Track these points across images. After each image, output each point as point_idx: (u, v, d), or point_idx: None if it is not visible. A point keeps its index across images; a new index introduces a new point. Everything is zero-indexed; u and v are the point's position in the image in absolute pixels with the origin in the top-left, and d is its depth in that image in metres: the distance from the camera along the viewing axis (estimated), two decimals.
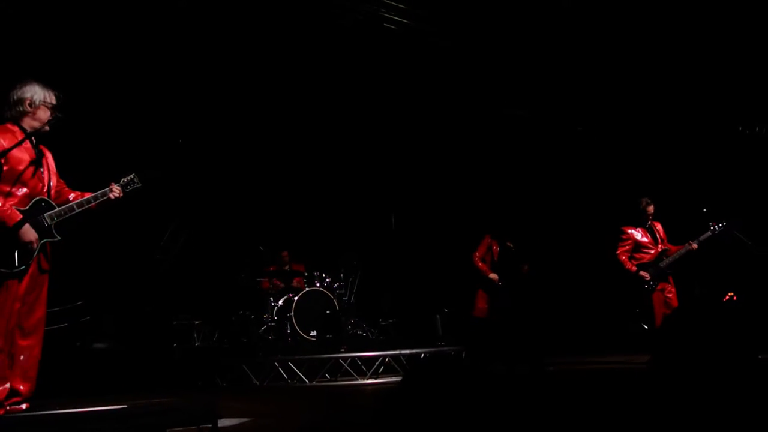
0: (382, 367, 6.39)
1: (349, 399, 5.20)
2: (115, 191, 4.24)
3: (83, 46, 6.43)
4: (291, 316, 7.15)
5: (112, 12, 6.31)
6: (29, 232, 3.83)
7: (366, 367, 6.30)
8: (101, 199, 4.19)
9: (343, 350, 6.54)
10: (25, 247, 3.82)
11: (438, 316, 7.51)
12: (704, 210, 6.23)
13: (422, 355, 6.45)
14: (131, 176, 4.35)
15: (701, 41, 7.19)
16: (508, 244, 6.90)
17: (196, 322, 7.42)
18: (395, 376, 6.29)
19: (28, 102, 4.06)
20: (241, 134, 8.05)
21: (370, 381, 6.14)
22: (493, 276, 6.69)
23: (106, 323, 7.03)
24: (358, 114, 8.35)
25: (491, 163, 8.85)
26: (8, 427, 2.80)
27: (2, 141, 3.87)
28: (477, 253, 6.84)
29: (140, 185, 4.36)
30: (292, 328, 7.15)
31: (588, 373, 5.83)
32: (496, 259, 6.78)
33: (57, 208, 4.05)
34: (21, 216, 3.83)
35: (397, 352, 6.41)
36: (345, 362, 6.24)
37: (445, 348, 6.95)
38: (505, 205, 7.93)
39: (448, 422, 3.24)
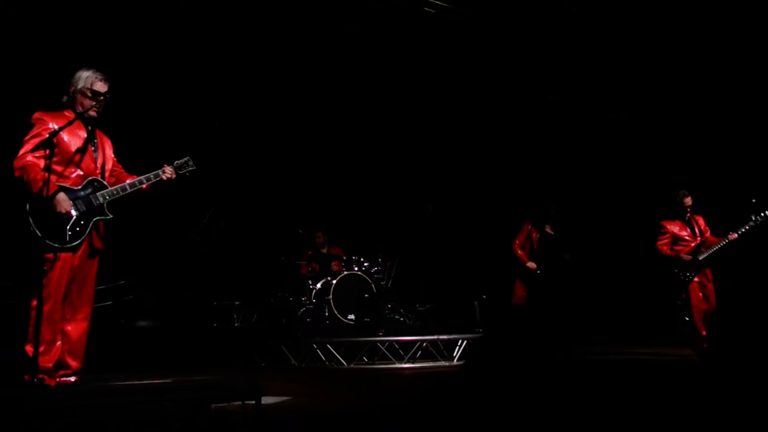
0: (420, 352, 6.47)
1: (387, 382, 5.30)
2: (168, 173, 4.39)
3: (137, 35, 6.63)
4: (329, 299, 7.26)
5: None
6: (64, 202, 3.99)
7: (404, 351, 6.40)
8: (153, 180, 4.35)
9: (380, 334, 6.64)
10: (60, 217, 3.98)
11: (476, 302, 7.56)
12: (753, 201, 6.14)
13: (460, 341, 6.50)
14: (185, 159, 4.50)
15: (745, 26, 7.04)
16: (548, 231, 6.93)
17: (236, 303, 7.62)
18: (433, 361, 6.38)
19: (73, 89, 4.26)
20: (284, 117, 8.16)
21: (407, 365, 6.25)
22: (531, 265, 6.74)
23: (148, 302, 7.27)
24: (398, 98, 8.38)
25: (533, 150, 8.81)
26: (60, 396, 2.95)
27: (55, 124, 4.05)
28: (516, 241, 6.89)
29: (194, 168, 4.50)
30: (330, 311, 7.27)
31: (629, 363, 5.83)
32: (535, 246, 6.82)
33: (109, 188, 4.23)
34: (57, 188, 3.99)
35: (435, 337, 6.49)
36: (383, 346, 6.35)
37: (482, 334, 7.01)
38: (546, 192, 7.89)
39: (508, 405, 3.32)
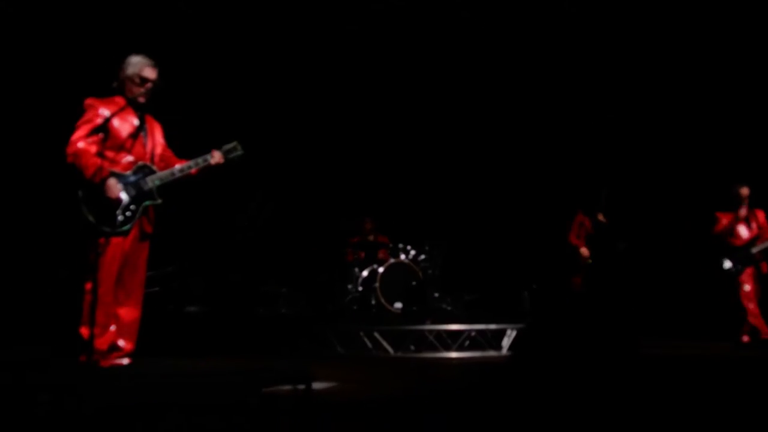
0: (468, 342, 6.40)
1: (435, 371, 5.26)
2: (216, 157, 4.42)
3: (186, 19, 6.71)
4: (376, 287, 7.25)
5: None
6: (113, 188, 4.04)
7: (451, 340, 6.33)
8: (202, 165, 4.38)
9: (428, 322, 6.58)
10: (110, 202, 4.03)
11: (526, 291, 7.45)
12: None
13: (507, 330, 6.41)
14: (233, 144, 4.51)
15: None
16: (601, 219, 6.79)
17: (283, 289, 7.66)
18: (481, 351, 6.30)
19: (122, 75, 4.30)
20: (334, 101, 8.15)
21: (455, 355, 6.18)
22: (584, 250, 6.66)
23: (197, 288, 7.38)
24: (446, 82, 8.30)
25: (586, 134, 8.60)
26: (114, 377, 2.99)
27: (105, 110, 4.11)
28: (571, 232, 6.82)
29: (242, 153, 4.51)
30: (377, 299, 7.26)
31: (682, 358, 5.68)
32: (591, 232, 6.72)
33: (159, 173, 4.27)
34: (108, 173, 4.04)
35: (483, 326, 6.40)
36: (430, 335, 6.29)
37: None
38: (598, 179, 7.70)
39: (557, 397, 3.24)
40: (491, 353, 6.25)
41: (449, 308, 7.59)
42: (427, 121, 8.64)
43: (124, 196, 4.11)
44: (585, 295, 6.51)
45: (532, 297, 7.46)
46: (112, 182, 4.03)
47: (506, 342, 6.39)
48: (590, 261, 6.63)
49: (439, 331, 6.34)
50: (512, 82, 8.33)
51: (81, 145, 4.04)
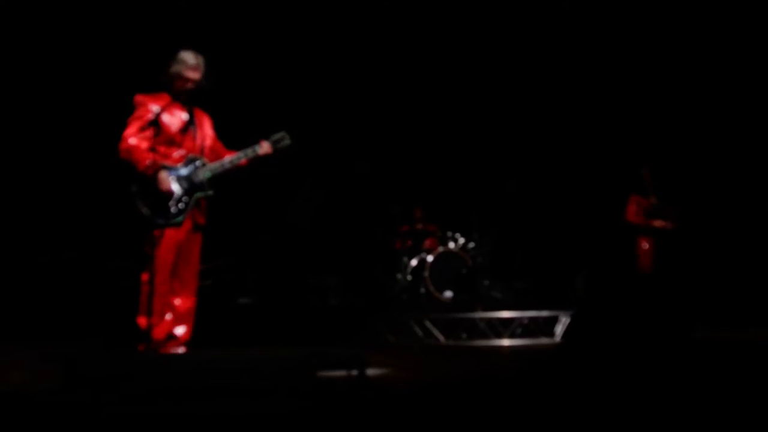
0: (520, 329, 6.33)
1: (487, 358, 5.23)
2: (264, 147, 4.46)
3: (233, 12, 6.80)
4: (425, 275, 7.25)
5: None
6: (165, 180, 4.11)
7: (503, 328, 6.28)
8: (251, 156, 4.43)
9: (479, 310, 6.55)
10: (163, 195, 4.11)
11: (579, 277, 7.33)
12: None
13: (561, 317, 6.32)
14: (281, 134, 4.55)
15: None
16: (651, 200, 6.66)
17: (332, 280, 7.71)
18: (534, 338, 6.23)
19: (170, 71, 4.36)
20: (380, 91, 8.14)
21: (507, 342, 6.14)
22: (658, 223, 6.54)
23: (249, 280, 7.50)
24: (492, 70, 8.21)
25: (639, 116, 8.38)
26: (173, 362, 3.05)
27: (155, 106, 4.19)
28: (628, 214, 6.68)
29: (290, 143, 4.55)
30: (426, 288, 7.26)
31: (740, 343, 5.51)
32: (651, 211, 6.61)
33: (209, 165, 4.34)
34: (158, 167, 4.11)
35: (535, 313, 6.33)
36: (481, 322, 6.25)
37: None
38: (649, 160, 7.50)
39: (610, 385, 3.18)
40: (544, 340, 6.18)
41: (500, 296, 7.53)
42: (475, 107, 8.56)
43: (176, 189, 4.19)
44: (644, 279, 6.36)
45: (585, 282, 7.34)
46: (164, 175, 4.11)
47: (559, 329, 6.30)
48: (669, 227, 6.50)
49: (490, 319, 6.30)
50: (558, 65, 8.19)
51: (133, 141, 4.12)
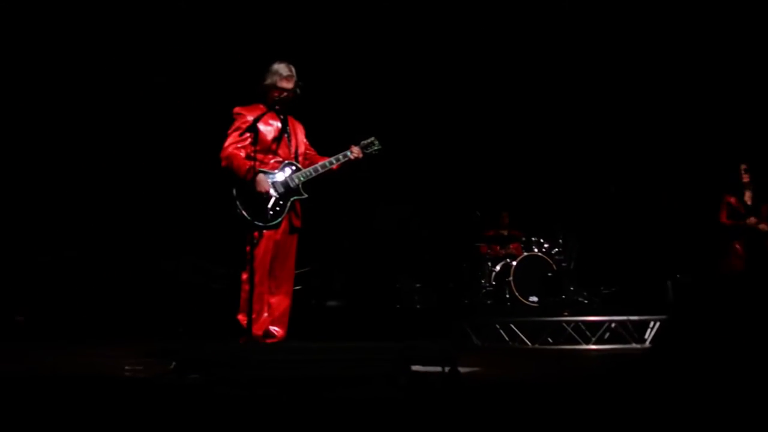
0: (608, 334, 6.21)
1: (574, 362, 5.16)
2: (355, 152, 4.60)
3: (323, 22, 7.04)
4: (510, 280, 7.22)
5: None
6: (263, 183, 4.32)
7: (590, 332, 6.17)
8: (342, 160, 4.58)
9: (565, 314, 6.46)
10: (261, 197, 4.30)
11: (669, 282, 7.09)
12: None
13: (651, 323, 6.15)
14: (371, 139, 4.69)
15: None
16: (747, 201, 6.40)
17: (417, 285, 7.79)
18: (622, 343, 6.09)
19: (265, 82, 4.58)
20: (465, 96, 8.18)
21: (594, 347, 6.03)
22: (752, 220, 6.30)
23: (337, 282, 7.68)
24: (580, 75, 8.12)
25: (726, 114, 8.07)
26: (276, 352, 3.20)
27: (252, 116, 4.40)
28: (721, 216, 6.45)
29: (380, 147, 4.67)
30: (511, 292, 7.22)
31: None
32: (742, 212, 6.35)
33: (303, 170, 4.53)
34: (255, 171, 4.29)
35: (624, 318, 6.18)
36: (568, 326, 6.17)
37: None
38: (741, 160, 7.21)
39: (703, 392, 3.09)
40: (633, 346, 6.03)
41: (586, 302, 7.39)
42: (560, 113, 8.46)
43: (273, 192, 4.39)
44: (737, 281, 6.10)
45: (676, 287, 7.10)
46: (262, 177, 4.33)
47: (649, 334, 6.13)
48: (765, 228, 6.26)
49: (577, 323, 6.21)
50: (642, 64, 8.00)
51: (232, 150, 4.37)
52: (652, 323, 6.16)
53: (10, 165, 6.82)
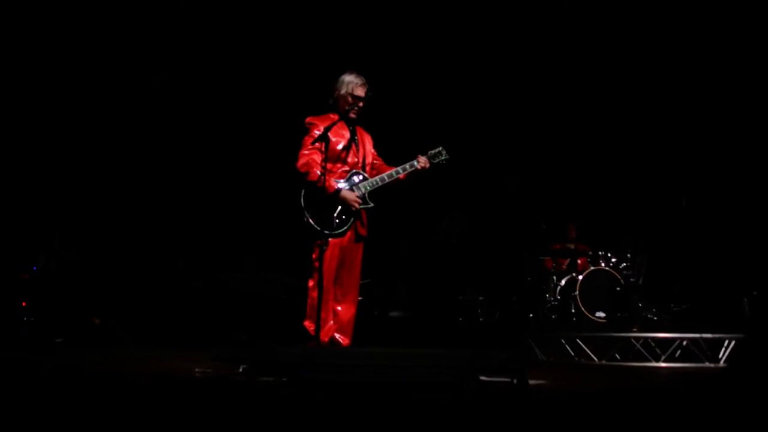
0: (679, 352, 5.98)
1: (645, 379, 5.00)
2: (421, 162, 4.63)
3: (392, 33, 7.13)
4: (576, 295, 7.07)
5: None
6: (350, 193, 4.45)
7: (660, 349, 5.96)
8: (409, 170, 4.61)
9: (635, 330, 6.27)
10: (349, 209, 4.40)
11: (745, 299, 6.80)
12: None
13: (726, 341, 5.89)
14: (438, 149, 4.71)
15: None
16: None
17: (480, 298, 7.73)
18: (694, 362, 5.86)
19: (336, 93, 4.68)
20: (530, 108, 8.13)
21: (664, 365, 5.81)
22: None
23: (400, 293, 7.69)
24: (648, 88, 7.95)
25: None
26: (344, 356, 3.22)
27: (323, 126, 4.47)
28: None
29: (448, 157, 4.68)
30: (577, 307, 7.07)
31: None
32: None
33: (370, 179, 4.57)
34: (337, 186, 4.42)
35: (697, 335, 5.93)
36: (637, 342, 5.98)
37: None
38: None
39: None
40: (707, 365, 5.79)
41: (655, 318, 7.16)
42: (630, 125, 8.28)
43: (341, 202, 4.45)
44: None
45: (753, 304, 6.80)
46: (347, 191, 4.44)
47: (724, 353, 5.89)
48: None
49: (646, 339, 6.00)
50: (711, 81, 7.78)
51: (308, 159, 4.46)
52: (726, 342, 5.90)
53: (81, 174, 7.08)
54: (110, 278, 6.86)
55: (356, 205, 4.43)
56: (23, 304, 5.60)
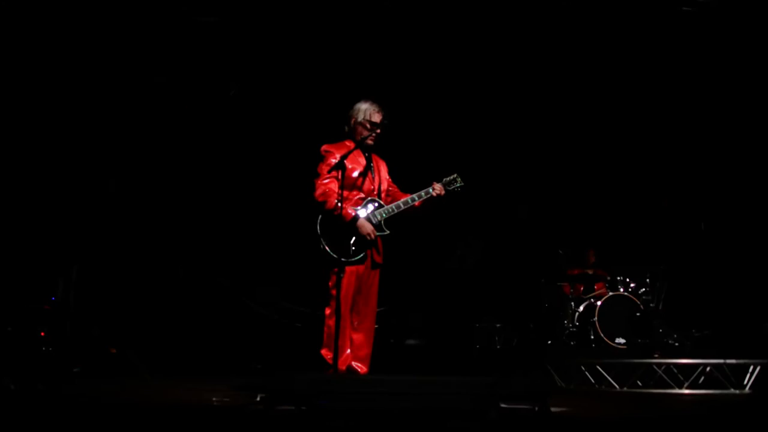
0: (703, 378, 5.87)
1: (666, 407, 4.91)
2: (437, 189, 4.64)
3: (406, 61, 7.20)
4: (594, 321, 7.00)
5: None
6: (366, 225, 4.45)
7: (683, 376, 5.86)
8: (424, 197, 4.62)
9: (656, 356, 6.18)
10: (364, 239, 4.40)
11: None
12: None
13: (751, 367, 5.79)
14: (453, 176, 4.72)
15: None
16: None
17: (497, 325, 7.66)
18: (719, 389, 5.75)
19: (353, 121, 4.71)
20: (546, 130, 8.13)
21: (687, 391, 5.72)
22: None
23: (415, 321, 7.65)
24: (670, 109, 7.95)
25: None
26: (364, 384, 3.20)
27: (339, 154, 4.49)
28: None
29: (463, 184, 4.69)
30: (596, 334, 6.99)
31: None
32: None
33: (385, 206, 4.58)
34: (355, 213, 4.41)
35: (721, 361, 5.83)
36: (659, 369, 5.88)
37: None
38: None
39: None
40: (732, 391, 5.69)
41: (677, 344, 7.05)
42: (646, 150, 8.25)
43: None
44: None
45: None
46: (363, 221, 4.44)
47: (749, 379, 5.77)
48: None
49: (668, 365, 5.91)
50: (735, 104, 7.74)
51: (327, 187, 4.48)
52: (752, 367, 5.79)
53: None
54: (127, 307, 6.87)
55: (370, 237, 4.43)
56: (41, 334, 5.62)
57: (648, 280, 7.34)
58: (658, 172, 8.23)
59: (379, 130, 4.64)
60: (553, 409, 3.61)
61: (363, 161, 4.67)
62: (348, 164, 4.51)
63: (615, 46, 7.27)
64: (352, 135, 4.71)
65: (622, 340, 6.94)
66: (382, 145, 4.80)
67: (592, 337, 7.06)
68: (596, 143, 8.22)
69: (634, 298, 7.14)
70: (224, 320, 7.18)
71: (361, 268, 4.50)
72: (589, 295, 7.63)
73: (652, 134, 8.13)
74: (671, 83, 7.68)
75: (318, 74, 7.26)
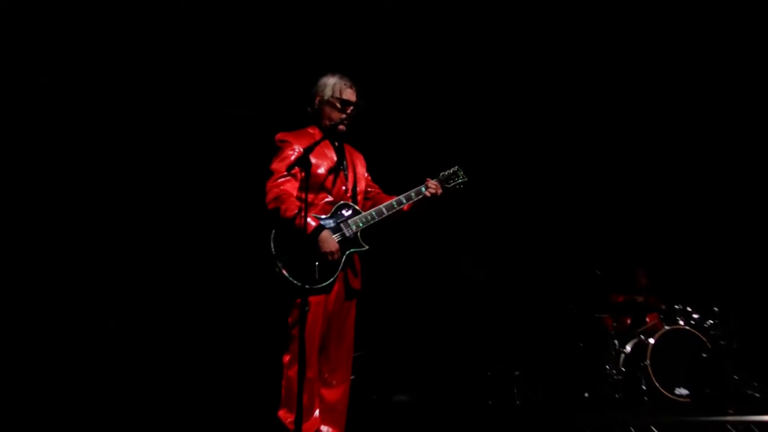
0: None
1: None
2: (432, 187, 4.58)
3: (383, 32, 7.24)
4: (647, 365, 7.03)
5: None
6: (328, 241, 4.26)
7: None
8: (415, 199, 4.56)
9: (730, 412, 6.21)
10: (325, 258, 4.25)
11: None
12: None
13: None
14: (453, 169, 4.68)
15: None
16: None
17: (516, 372, 7.65)
18: None
19: (318, 99, 4.62)
20: (576, 124, 8.24)
21: None
22: None
23: (406, 371, 7.61)
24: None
25: None
26: None
27: (299, 146, 4.40)
28: None
29: (466, 179, 4.64)
30: (649, 382, 7.01)
31: None
32: None
33: (362, 213, 4.49)
34: (318, 223, 4.29)
35: None
36: (735, 428, 5.91)
37: None
38: None
39: None
40: None
41: (757, 395, 7.10)
42: (706, 153, 8.39)
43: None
44: None
45: None
46: (327, 235, 4.26)
47: None
48: None
49: (747, 424, 5.94)
50: None
51: (281, 188, 4.33)
52: None
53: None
54: None
55: (332, 257, 4.26)
56: None
57: (717, 309, 7.37)
58: (734, 167, 8.35)
59: (352, 109, 4.55)
60: None
61: (332, 154, 4.57)
62: (312, 159, 4.32)
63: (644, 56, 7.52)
64: (317, 119, 4.63)
65: (684, 391, 6.96)
66: (358, 132, 4.71)
67: (644, 387, 7.08)
68: (652, 130, 8.34)
69: (700, 335, 7.18)
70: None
71: (331, 297, 4.40)
72: (638, 330, 7.66)
73: (717, 138, 8.31)
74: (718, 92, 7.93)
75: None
